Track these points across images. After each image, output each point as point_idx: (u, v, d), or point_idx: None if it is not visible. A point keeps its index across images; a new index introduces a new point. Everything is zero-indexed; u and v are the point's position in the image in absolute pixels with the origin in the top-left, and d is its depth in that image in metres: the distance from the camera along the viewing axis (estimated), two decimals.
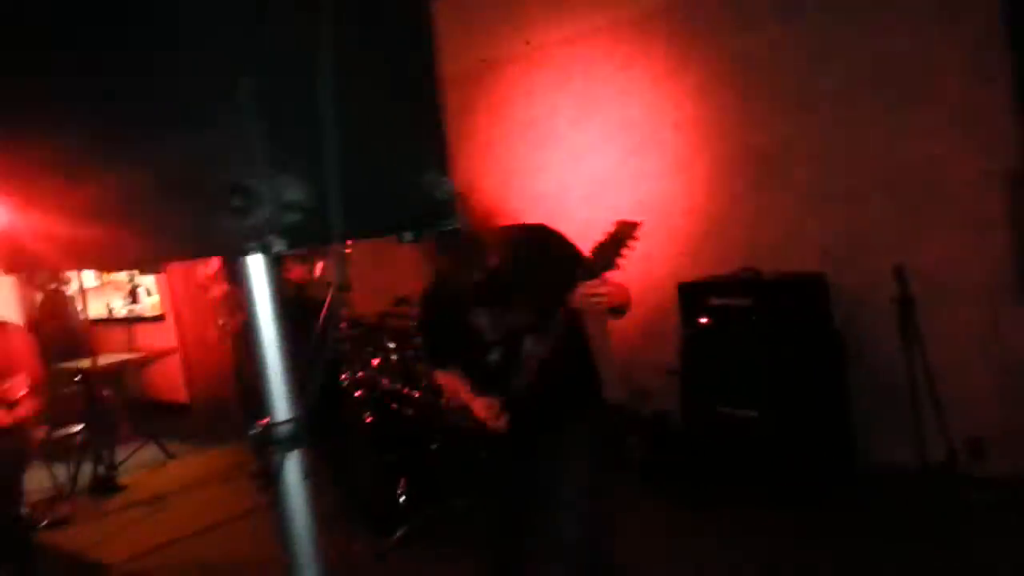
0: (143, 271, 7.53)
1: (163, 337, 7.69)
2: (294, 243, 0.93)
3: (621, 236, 2.13)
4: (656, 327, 4.41)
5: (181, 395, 7.74)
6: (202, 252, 1.00)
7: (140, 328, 7.95)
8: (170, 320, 7.63)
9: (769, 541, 3.46)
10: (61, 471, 5.56)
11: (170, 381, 7.81)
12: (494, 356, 2.44)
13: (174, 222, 0.92)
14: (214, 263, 5.07)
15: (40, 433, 4.42)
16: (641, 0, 4.49)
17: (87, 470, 5.67)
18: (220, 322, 5.07)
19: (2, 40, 0.91)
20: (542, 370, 2.36)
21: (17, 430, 3.75)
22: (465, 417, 3.65)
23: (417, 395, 4.10)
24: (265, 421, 1.13)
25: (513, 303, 2.41)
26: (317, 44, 0.92)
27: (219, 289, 4.98)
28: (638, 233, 2.13)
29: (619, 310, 2.36)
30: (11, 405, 3.65)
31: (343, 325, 4.69)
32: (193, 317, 7.45)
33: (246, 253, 0.93)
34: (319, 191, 0.93)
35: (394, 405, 4.21)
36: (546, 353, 2.33)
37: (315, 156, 0.93)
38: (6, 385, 3.54)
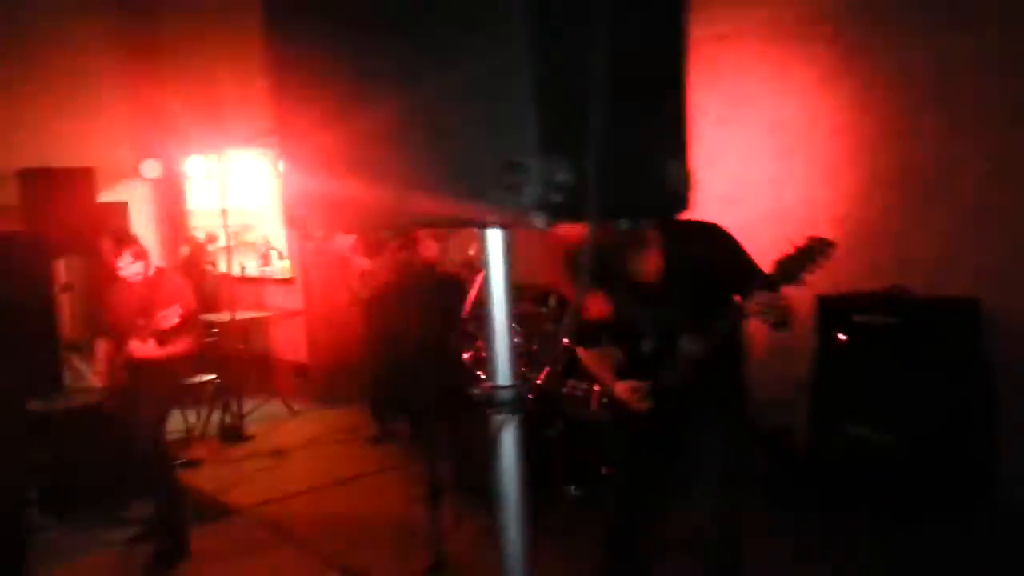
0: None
1: (290, 299, 8.09)
2: (551, 221, 0.98)
3: (812, 253, 2.10)
4: (786, 339, 4.29)
5: (302, 356, 8.12)
6: (467, 222, 1.06)
7: (269, 289, 8.39)
8: (298, 284, 8.01)
9: (895, 571, 3.33)
10: (192, 416, 5.97)
11: (293, 342, 8.20)
12: (646, 346, 2.46)
13: (449, 191, 0.98)
14: (352, 237, 5.30)
15: (187, 374, 4.74)
16: (804, 1, 4.36)
17: (216, 418, 6.07)
18: (356, 292, 5.30)
19: (323, 24, 1.01)
20: (695, 370, 2.36)
21: (169, 365, 4.02)
22: (588, 406, 3.69)
23: (540, 381, 4.16)
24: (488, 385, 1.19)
25: (673, 297, 2.41)
26: (595, 32, 0.96)
27: (359, 262, 5.20)
28: (831, 252, 2.10)
29: (785, 325, 2.33)
30: (164, 337, 3.90)
31: (469, 306, 4.82)
32: (321, 284, 7.79)
33: (515, 226, 0.98)
34: (581, 172, 0.97)
35: None
36: (703, 354, 2.33)
37: (582, 138, 0.97)
38: (160, 315, 3.78)
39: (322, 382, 7.56)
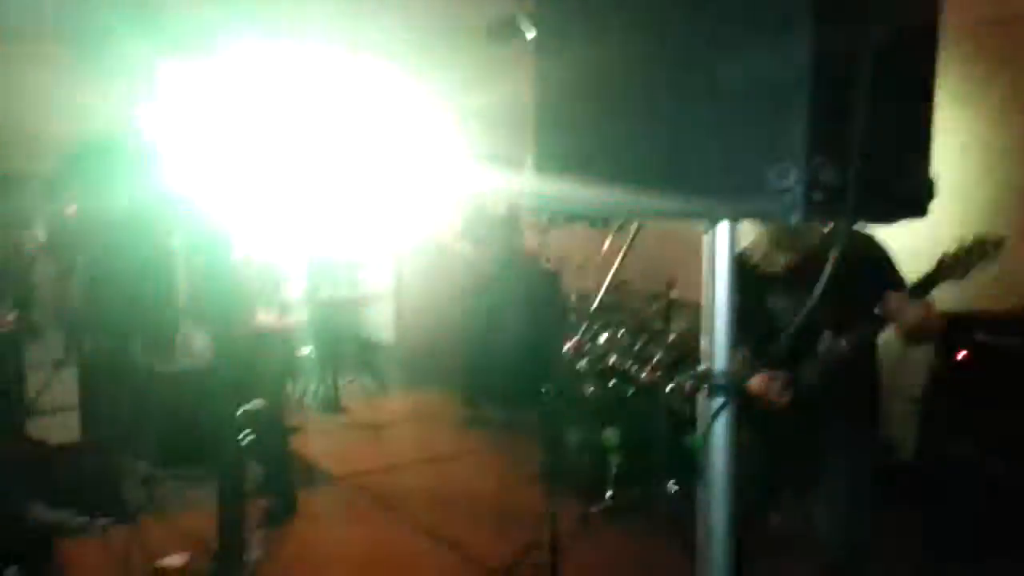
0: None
1: (380, 280, 8.28)
2: (808, 219, 1.03)
3: (978, 250, 2.08)
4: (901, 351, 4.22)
5: (388, 336, 8.33)
6: (702, 215, 1.12)
7: (360, 270, 8.61)
8: (389, 267, 8.20)
9: None
10: (289, 385, 6.19)
11: (380, 322, 8.40)
12: (783, 342, 2.46)
13: (709, 184, 1.05)
14: (458, 222, 5.43)
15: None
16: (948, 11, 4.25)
17: (312, 389, 6.31)
18: (457, 279, 5.42)
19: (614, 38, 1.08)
20: (833, 371, 2.37)
21: (286, 335, 4.24)
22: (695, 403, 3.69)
23: (643, 376, 4.19)
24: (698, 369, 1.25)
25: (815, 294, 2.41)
26: (864, 40, 1.01)
27: (463, 249, 5.32)
28: (998, 251, 2.07)
29: (919, 339, 2.32)
30: (285, 310, 4.12)
31: (574, 297, 4.89)
32: (412, 267, 7.96)
33: (762, 219, 1.04)
34: (842, 174, 1.03)
35: (612, 382, 4.34)
36: (843, 355, 2.34)
37: (845, 141, 1.02)
38: (283, 291, 4.01)
39: (406, 362, 7.75)
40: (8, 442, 5.07)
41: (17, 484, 3.85)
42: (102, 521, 3.53)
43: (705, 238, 1.19)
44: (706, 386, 1.23)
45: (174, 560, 2.75)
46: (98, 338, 5.21)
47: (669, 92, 1.07)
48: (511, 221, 5.30)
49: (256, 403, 2.38)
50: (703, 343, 1.24)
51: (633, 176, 1.11)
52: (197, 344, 6.09)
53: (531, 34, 1.15)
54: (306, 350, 6.72)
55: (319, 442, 5.34)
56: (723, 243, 1.19)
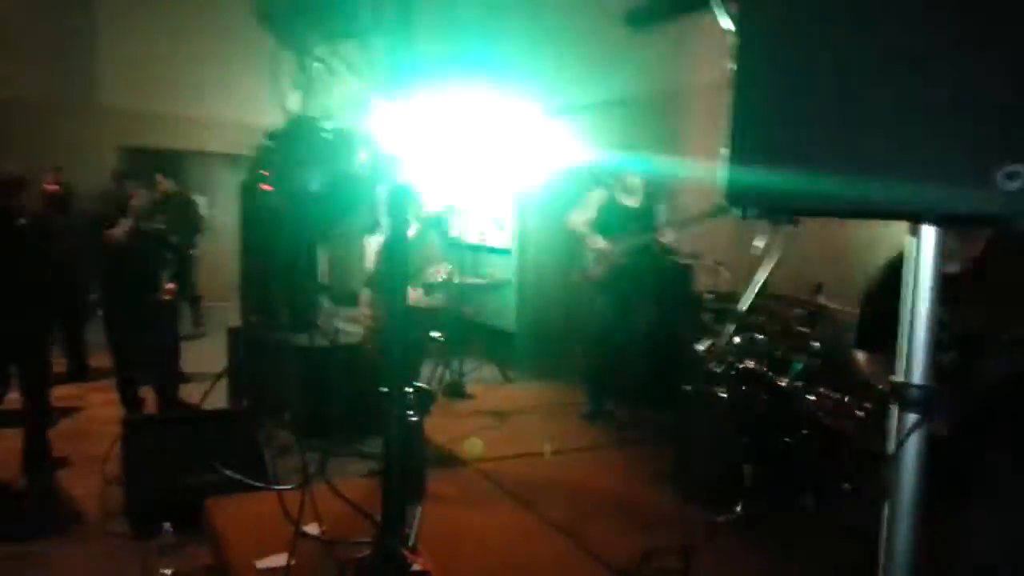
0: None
1: (504, 269, 8.38)
2: None
3: None
4: None
5: (508, 324, 8.41)
6: (941, 213, 1.04)
7: (485, 257, 8.74)
8: (515, 255, 8.28)
9: None
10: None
11: (502, 309, 8.50)
12: (944, 358, 2.29)
13: (929, 180, 0.98)
14: (590, 212, 5.39)
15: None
16: None
17: (438, 374, 6.46)
18: (587, 270, 5.39)
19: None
20: (999, 391, 2.19)
21: (426, 316, 4.36)
22: (838, 416, 3.51)
23: (782, 383, 4.02)
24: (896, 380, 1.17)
25: (984, 310, 2.24)
26: None
27: (594, 240, 5.29)
28: None
29: None
30: (430, 289, 4.26)
31: (709, 295, 4.75)
32: (537, 256, 7.99)
33: (999, 221, 0.96)
34: None
35: (745, 387, 4.18)
36: (1009, 375, 2.16)
37: None
38: (429, 271, 4.16)
39: (526, 351, 7.80)
40: (163, 405, 5.52)
41: (171, 445, 4.16)
42: (257, 485, 3.76)
43: (909, 242, 1.11)
44: (899, 400, 1.14)
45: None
46: (250, 313, 5.55)
47: (891, 82, 1.00)
48: (645, 213, 5.22)
49: (420, 384, 2.45)
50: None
51: (844, 169, 1.05)
52: (335, 323, 6.39)
53: (725, 19, 1.11)
54: (435, 333, 6.91)
55: (446, 426, 5.46)
56: (928, 248, 1.11)
